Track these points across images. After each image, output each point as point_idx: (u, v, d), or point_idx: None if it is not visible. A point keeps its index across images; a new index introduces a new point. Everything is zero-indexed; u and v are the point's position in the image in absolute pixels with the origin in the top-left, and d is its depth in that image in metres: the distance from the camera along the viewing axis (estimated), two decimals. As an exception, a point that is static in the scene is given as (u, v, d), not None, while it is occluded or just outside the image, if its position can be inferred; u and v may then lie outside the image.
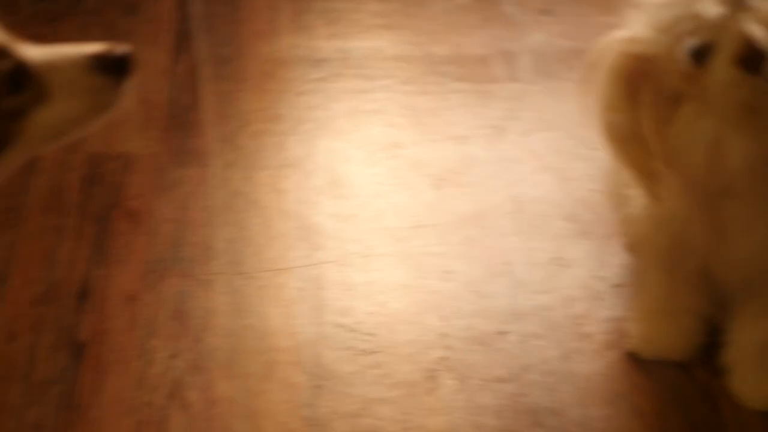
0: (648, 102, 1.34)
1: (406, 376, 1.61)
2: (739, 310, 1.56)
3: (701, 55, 1.30)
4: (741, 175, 1.36)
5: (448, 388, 1.59)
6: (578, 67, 2.35)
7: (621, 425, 1.53)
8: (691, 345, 1.61)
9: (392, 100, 2.24)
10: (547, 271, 1.80)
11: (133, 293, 1.72)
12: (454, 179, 2.01)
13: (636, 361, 1.62)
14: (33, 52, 1.08)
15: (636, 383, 1.59)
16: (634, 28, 1.37)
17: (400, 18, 2.54)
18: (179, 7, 2.49)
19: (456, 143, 2.11)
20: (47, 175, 1.94)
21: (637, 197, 1.51)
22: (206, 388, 1.57)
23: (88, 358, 1.60)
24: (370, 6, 2.59)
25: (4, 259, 1.72)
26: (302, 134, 2.13)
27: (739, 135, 1.33)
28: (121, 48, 1.11)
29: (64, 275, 1.74)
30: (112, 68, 1.10)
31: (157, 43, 2.34)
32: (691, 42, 1.30)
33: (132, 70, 1.12)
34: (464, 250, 1.85)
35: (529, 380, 1.60)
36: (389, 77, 2.32)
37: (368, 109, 2.21)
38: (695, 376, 1.60)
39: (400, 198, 1.97)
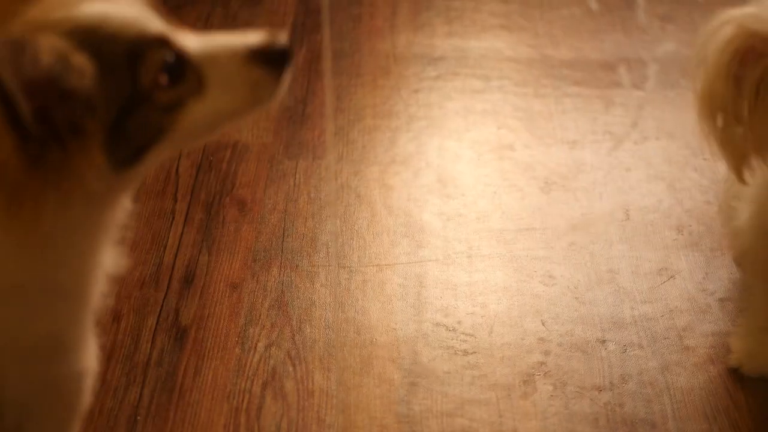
0: (753, 82, 1.30)
1: (503, 378, 1.60)
2: None
3: None
4: None
5: (543, 393, 1.57)
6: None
7: (718, 442, 1.50)
8: (795, 364, 1.57)
9: (506, 102, 2.23)
10: (652, 281, 1.77)
11: (237, 281, 1.74)
12: (564, 184, 1.99)
13: (738, 377, 1.59)
14: (191, 41, 1.02)
15: (736, 400, 1.55)
16: (760, 7, 1.33)
17: (520, 19, 2.53)
18: (301, 0, 2.51)
19: (568, 148, 2.09)
20: (162, 160, 1.99)
21: (743, 210, 1.47)
22: (302, 379, 1.58)
23: (189, 341, 1.63)
24: (490, 6, 2.58)
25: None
26: (414, 132, 2.13)
27: None
28: (281, 39, 1.05)
29: (171, 259, 1.78)
30: (272, 61, 1.04)
31: (276, 36, 2.37)
32: None
33: (291, 63, 1.06)
34: (569, 256, 1.83)
35: (626, 390, 1.57)
36: (505, 78, 2.31)
37: (481, 110, 2.21)
38: (799, 397, 1.56)
39: (508, 200, 1.96)
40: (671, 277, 1.78)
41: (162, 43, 0.99)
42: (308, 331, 1.67)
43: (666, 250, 1.84)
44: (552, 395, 1.57)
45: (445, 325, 1.69)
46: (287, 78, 1.06)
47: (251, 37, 1.04)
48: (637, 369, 1.61)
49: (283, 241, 1.83)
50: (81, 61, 0.93)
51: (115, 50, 0.96)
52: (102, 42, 0.96)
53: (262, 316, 1.68)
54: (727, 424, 1.52)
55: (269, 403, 1.55)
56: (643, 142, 2.11)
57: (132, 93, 0.97)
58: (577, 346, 1.65)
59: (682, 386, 1.58)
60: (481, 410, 1.55)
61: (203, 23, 2.39)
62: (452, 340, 1.66)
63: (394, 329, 1.68)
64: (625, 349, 1.64)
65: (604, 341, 1.66)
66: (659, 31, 2.44)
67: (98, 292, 1.10)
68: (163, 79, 0.99)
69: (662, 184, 1.99)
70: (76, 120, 0.94)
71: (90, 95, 0.94)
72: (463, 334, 1.67)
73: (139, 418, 1.51)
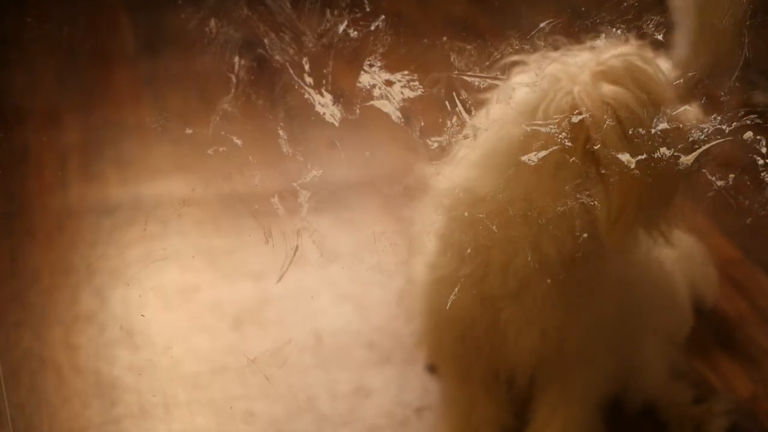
0: None
1: None
2: (537, 407, 1.59)
3: None
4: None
5: None
6: (366, 196, 2.39)
7: None
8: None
9: (187, 243, 2.22)
10: (349, 403, 1.78)
11: None
12: (253, 318, 1.99)
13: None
14: None
15: None
16: None
17: (191, 159, 2.53)
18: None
19: (253, 281, 2.09)
20: None
21: (420, 302, 1.52)
22: None
23: None
24: (160, 149, 2.57)
25: None
26: (95, 286, 2.08)
27: None
28: None
29: None
30: None
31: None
32: None
33: None
34: (266, 390, 1.82)
35: None
36: (183, 219, 2.30)
37: (163, 254, 2.18)
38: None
39: (199, 342, 1.93)
40: (367, 395, 1.80)
41: None
42: None
43: (360, 369, 1.86)
44: None
45: (147, 482, 1.63)
46: None
47: None
48: (346, 494, 1.61)
49: (-36, 421, 1.73)
50: None
51: None
52: None
53: (-53, 507, 1.57)
54: None
55: None
56: (327, 265, 2.14)
57: None
58: (284, 480, 1.64)
59: (391, 504, 1.59)
60: None
61: None
62: (157, 496, 1.61)
63: (95, 496, 1.61)
64: (332, 476, 1.64)
65: (310, 471, 1.65)
66: (314, 157, 2.51)
67: None
68: None
69: (349, 304, 2.02)
70: None
71: None
72: (167, 488, 1.62)
73: None
